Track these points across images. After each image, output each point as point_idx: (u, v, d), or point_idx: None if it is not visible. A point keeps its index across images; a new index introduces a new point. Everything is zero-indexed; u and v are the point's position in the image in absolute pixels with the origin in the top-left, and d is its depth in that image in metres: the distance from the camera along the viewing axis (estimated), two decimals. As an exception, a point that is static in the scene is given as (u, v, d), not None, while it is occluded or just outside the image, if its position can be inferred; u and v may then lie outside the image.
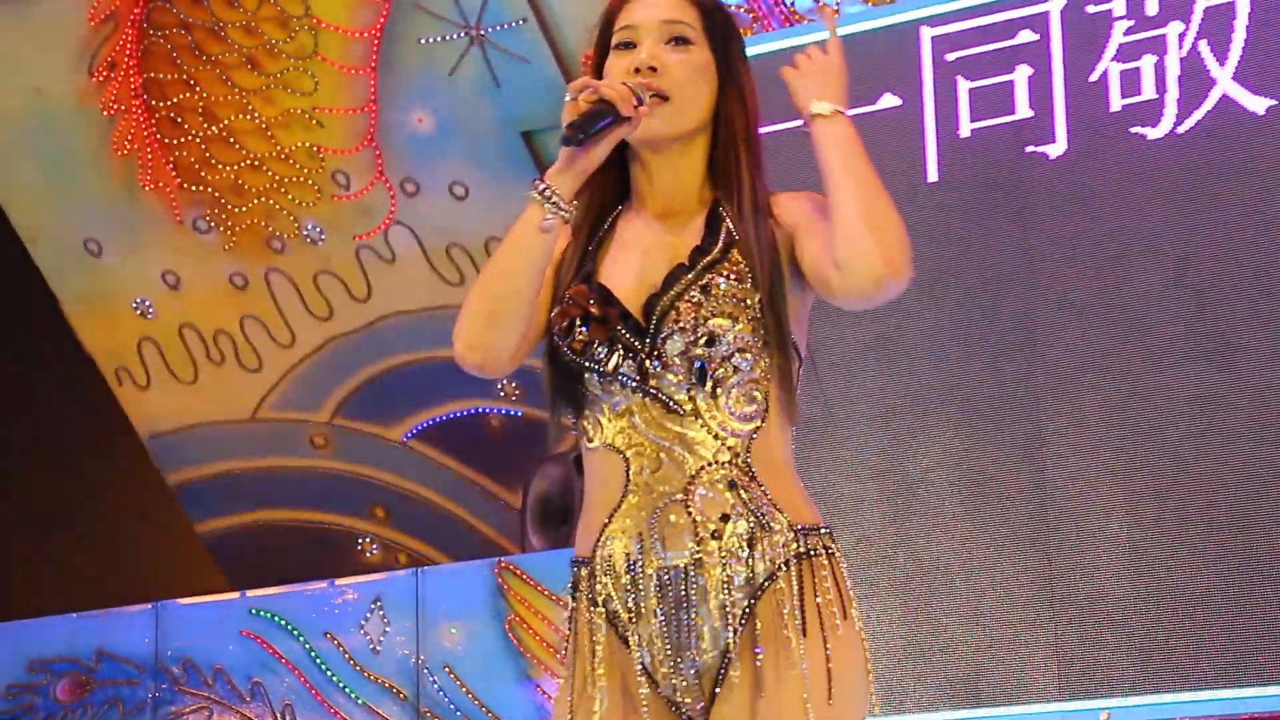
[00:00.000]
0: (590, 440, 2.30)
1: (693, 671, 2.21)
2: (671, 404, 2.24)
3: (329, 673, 7.01)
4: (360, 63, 7.82)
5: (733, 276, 2.25)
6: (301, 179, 8.00)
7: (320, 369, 8.23)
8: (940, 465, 5.50)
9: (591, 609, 2.25)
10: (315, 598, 7.12)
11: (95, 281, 8.27)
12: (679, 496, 2.22)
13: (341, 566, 7.81)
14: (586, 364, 2.27)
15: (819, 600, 2.22)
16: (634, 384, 2.25)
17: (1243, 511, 5.17)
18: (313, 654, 7.06)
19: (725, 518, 2.22)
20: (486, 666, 6.79)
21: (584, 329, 2.24)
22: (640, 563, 2.22)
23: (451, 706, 6.80)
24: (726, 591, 2.20)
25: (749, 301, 2.24)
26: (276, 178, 8.04)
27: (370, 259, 8.06)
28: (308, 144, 7.95)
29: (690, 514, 2.22)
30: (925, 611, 5.47)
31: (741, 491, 2.22)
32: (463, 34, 7.61)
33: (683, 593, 2.20)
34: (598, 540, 2.26)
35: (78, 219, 8.22)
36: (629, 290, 2.27)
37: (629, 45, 2.32)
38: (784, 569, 2.22)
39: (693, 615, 2.20)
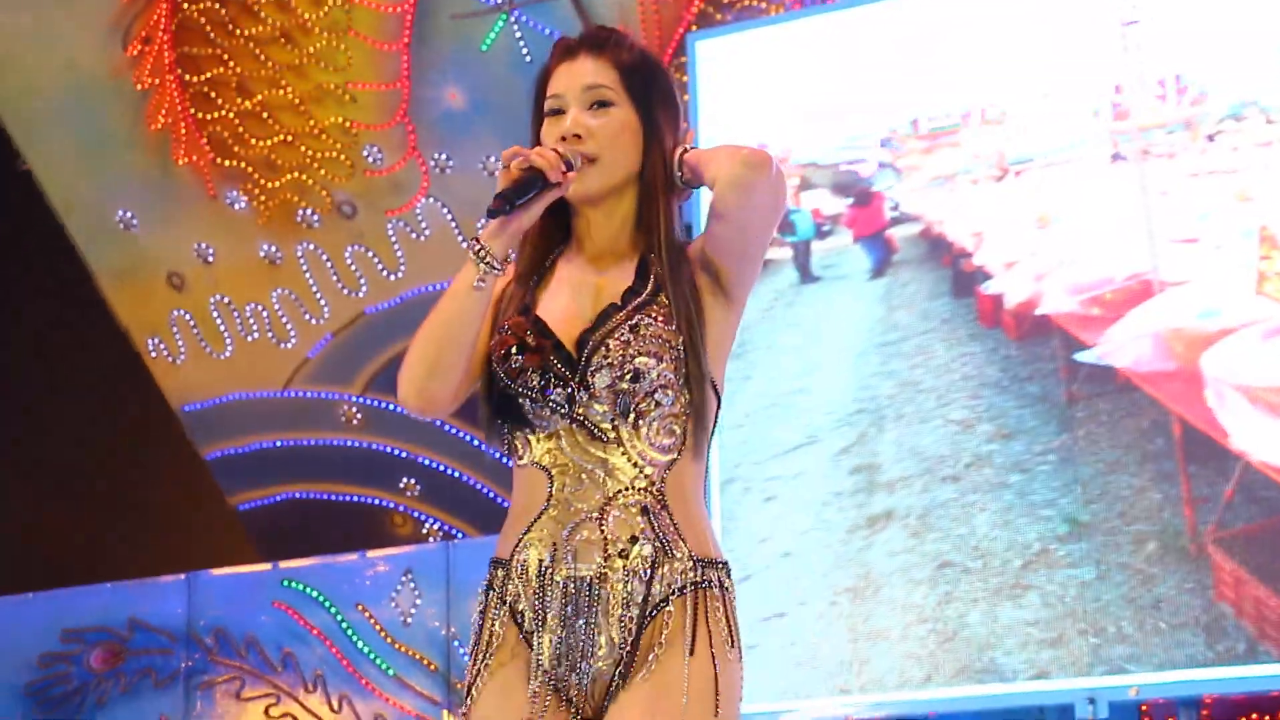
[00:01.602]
0: (520, 457, 2.50)
1: (588, 677, 2.40)
2: (596, 431, 2.44)
3: (360, 644, 7.05)
4: (393, 38, 7.83)
5: (660, 318, 2.45)
6: (334, 154, 8.02)
7: (353, 343, 8.25)
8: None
9: (499, 607, 2.45)
10: (346, 569, 7.15)
11: (129, 255, 8.31)
12: (595, 515, 2.42)
13: (372, 539, 7.84)
14: (520, 389, 2.45)
15: (709, 627, 2.40)
16: (563, 410, 2.44)
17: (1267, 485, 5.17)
18: (344, 625, 7.09)
19: (634, 539, 2.41)
20: (516, 639, 6.80)
21: (519, 357, 2.43)
22: (550, 570, 2.42)
23: (482, 679, 6.82)
24: (625, 607, 2.39)
25: (673, 342, 2.43)
26: (309, 153, 8.06)
27: (402, 234, 8.07)
28: (341, 119, 7.96)
29: (603, 532, 2.41)
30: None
31: (652, 517, 2.42)
32: (496, 10, 7.61)
33: (585, 603, 2.40)
34: (515, 546, 2.47)
35: (112, 193, 8.26)
36: (563, 325, 2.46)
37: (558, 112, 2.53)
38: (678, 594, 2.41)
39: (593, 624, 2.40)
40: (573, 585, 2.42)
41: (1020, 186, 5.94)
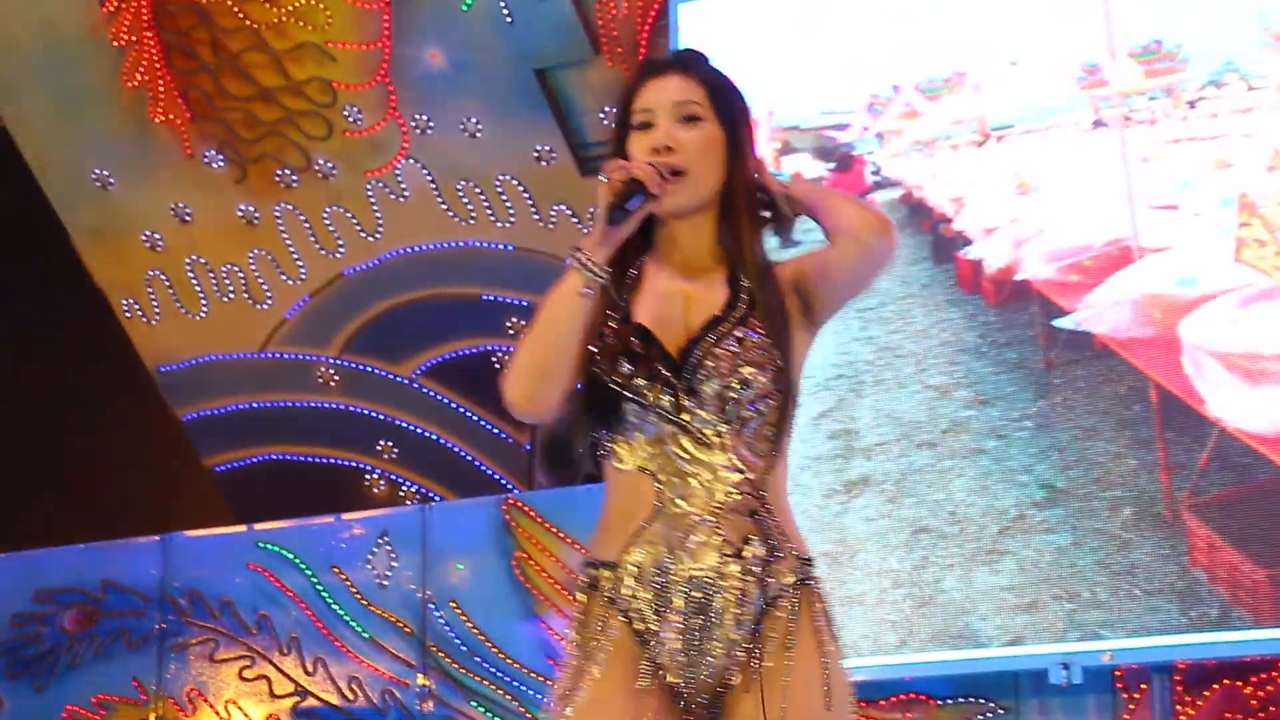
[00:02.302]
0: (621, 462, 2.60)
1: (704, 673, 2.51)
2: (701, 436, 2.55)
3: (335, 606, 7.03)
4: (373, -3, 7.79)
5: (760, 332, 2.58)
6: (313, 113, 7.97)
7: (330, 305, 8.22)
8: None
9: (609, 607, 2.54)
10: (322, 532, 7.13)
11: (104, 214, 8.26)
12: (708, 519, 2.54)
13: (349, 502, 7.82)
14: (629, 395, 2.56)
15: (817, 624, 2.55)
16: (669, 416, 2.56)
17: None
18: (319, 588, 7.08)
19: (746, 540, 2.54)
20: (493, 603, 6.81)
21: (628, 365, 2.56)
22: (670, 570, 2.53)
23: (457, 642, 6.82)
24: (741, 606, 2.52)
25: (773, 354, 2.58)
26: (289, 111, 8.01)
27: (381, 195, 8.03)
28: (320, 78, 7.92)
29: (719, 534, 2.53)
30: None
31: (759, 519, 2.56)
32: (476, -31, 7.57)
33: (704, 602, 2.51)
34: (624, 549, 2.56)
35: (87, 151, 8.21)
36: (662, 333, 2.58)
37: (647, 125, 2.64)
38: (788, 591, 2.55)
39: (711, 623, 2.51)
40: (693, 585, 2.52)
41: (1001, 152, 5.93)
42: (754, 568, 2.54)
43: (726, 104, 2.68)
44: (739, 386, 2.55)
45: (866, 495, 5.81)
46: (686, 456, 2.56)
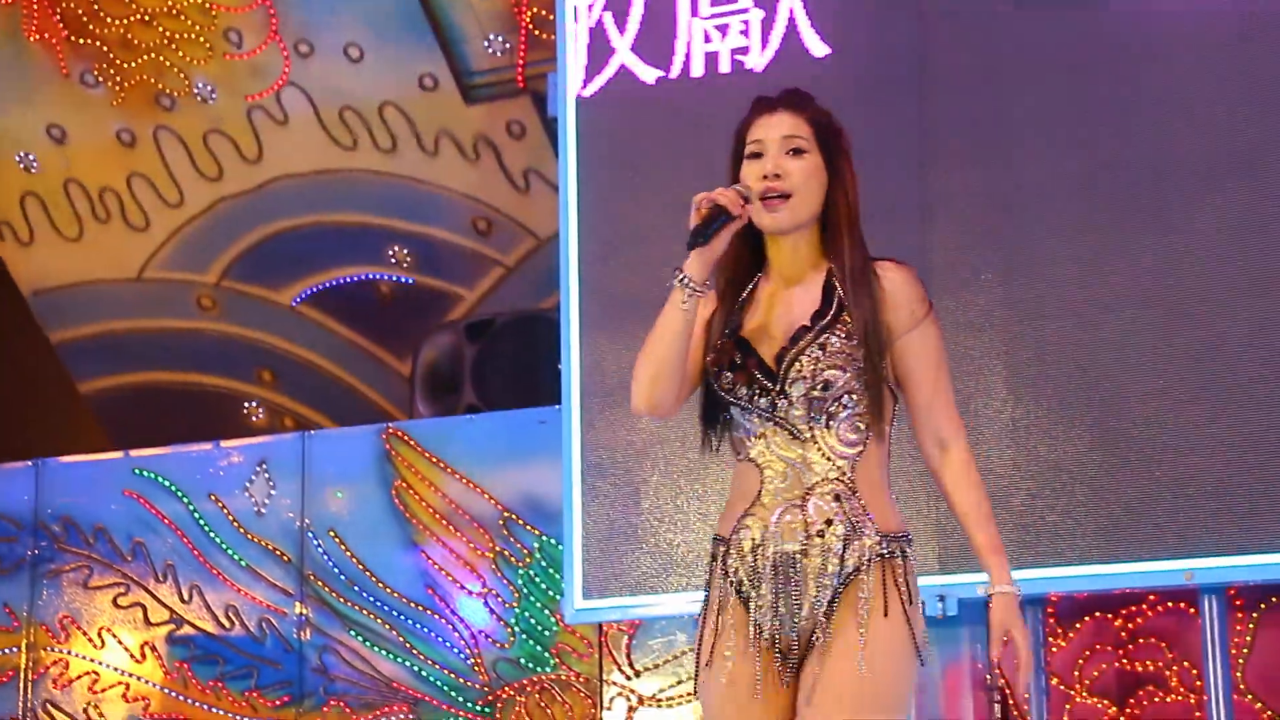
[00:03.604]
0: (738, 454, 3.05)
1: (793, 633, 2.95)
2: (795, 432, 2.98)
3: (212, 534, 6.99)
4: (255, -82, 7.67)
5: (843, 335, 2.98)
6: (193, 35, 7.85)
7: (209, 230, 8.13)
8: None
9: (724, 578, 3.00)
10: (199, 459, 7.07)
11: (-23, 134, 8.11)
12: (798, 503, 2.96)
13: (227, 429, 7.76)
14: (733, 399, 3.01)
15: (893, 591, 2.94)
16: (767, 415, 2.99)
17: (1116, 388, 5.26)
18: (196, 515, 7.03)
19: (829, 522, 2.95)
20: (372, 531, 6.79)
21: (729, 374, 3.00)
22: (761, 548, 2.97)
23: (335, 570, 6.80)
24: (822, 577, 2.93)
25: (855, 355, 2.97)
26: (167, 33, 7.88)
27: (262, 120, 7.94)
28: (200, 0, 7.80)
29: (804, 517, 2.95)
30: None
31: (844, 502, 2.96)
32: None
33: (790, 573, 2.94)
34: (734, 527, 3.01)
35: (-41, 69, 8.05)
36: (762, 343, 3.01)
37: (758, 155, 3.05)
38: (868, 564, 2.93)
39: (798, 590, 2.94)
40: (779, 559, 2.95)
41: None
42: (835, 545, 2.94)
43: (827, 138, 3.06)
44: (822, 388, 2.95)
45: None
46: (783, 449, 2.98)
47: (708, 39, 6.06)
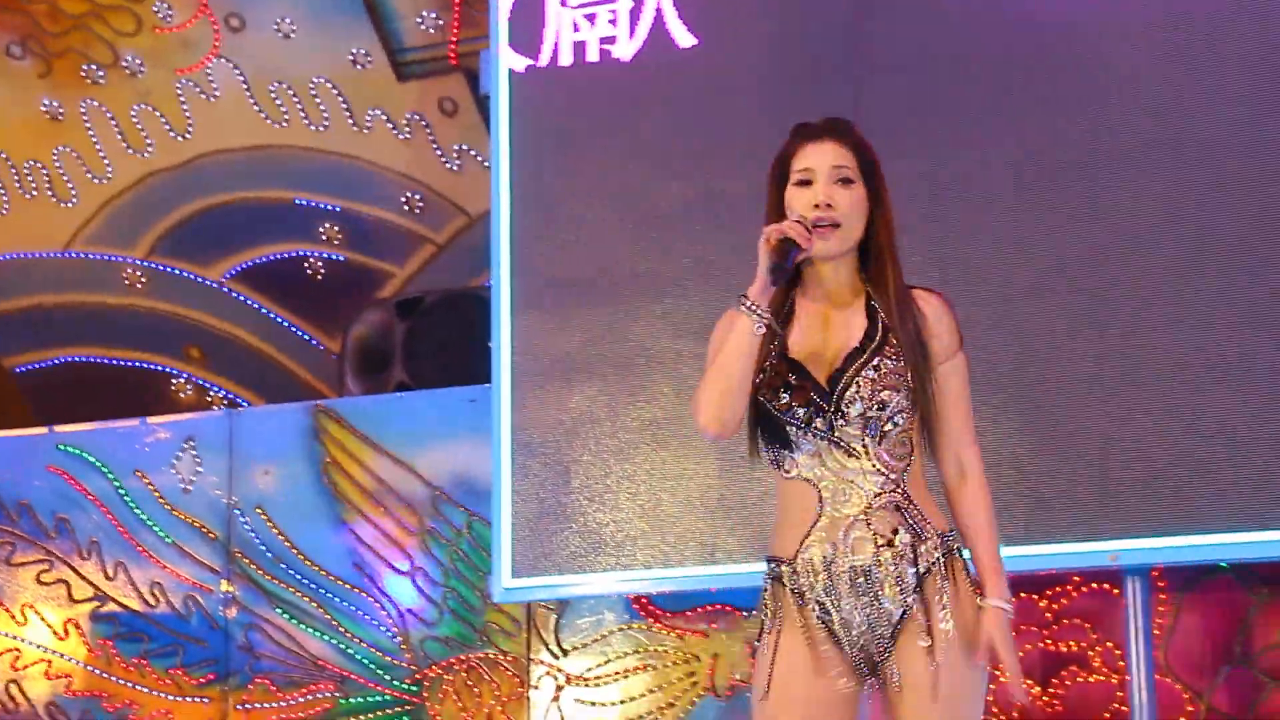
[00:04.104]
0: (788, 472, 3.19)
1: (872, 642, 3.13)
2: (850, 449, 3.14)
3: (138, 511, 6.94)
4: (186, -110, 7.61)
5: (893, 358, 3.15)
6: (122, 8, 7.78)
7: (137, 205, 8.06)
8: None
9: (793, 595, 3.15)
10: (126, 435, 7.02)
11: (-99, 105, 8.01)
12: (860, 517, 3.14)
13: (154, 405, 7.70)
14: (788, 419, 3.15)
15: (963, 584, 3.16)
16: (822, 434, 3.14)
17: (1043, 372, 5.30)
18: (122, 492, 6.98)
19: (895, 531, 3.13)
20: (300, 509, 6.76)
21: (785, 395, 3.14)
22: (834, 564, 3.13)
23: (263, 548, 6.77)
24: (898, 583, 3.12)
25: (905, 376, 3.15)
26: (95, 5, 7.81)
27: (191, 94, 7.88)
28: (129, -29, 7.73)
29: (870, 529, 3.13)
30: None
31: (904, 513, 3.15)
32: None
33: (866, 584, 3.12)
34: (799, 547, 3.16)
35: (-117, 38, 7.94)
36: (814, 364, 3.17)
37: (807, 183, 3.18)
38: (937, 564, 3.14)
39: (877, 601, 3.12)
40: (855, 573, 3.12)
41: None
42: (905, 552, 3.13)
43: (870, 167, 3.22)
44: (878, 408, 3.13)
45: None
46: (839, 466, 3.15)
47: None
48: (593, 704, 6.30)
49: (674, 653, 6.23)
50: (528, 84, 6.13)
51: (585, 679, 6.31)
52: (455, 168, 7.64)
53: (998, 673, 3.20)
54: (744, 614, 6.14)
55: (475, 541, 6.51)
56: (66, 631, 6.96)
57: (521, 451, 5.98)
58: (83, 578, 6.95)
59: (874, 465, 3.15)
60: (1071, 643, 5.66)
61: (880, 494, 3.15)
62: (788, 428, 3.17)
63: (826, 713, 3.15)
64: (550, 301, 6.04)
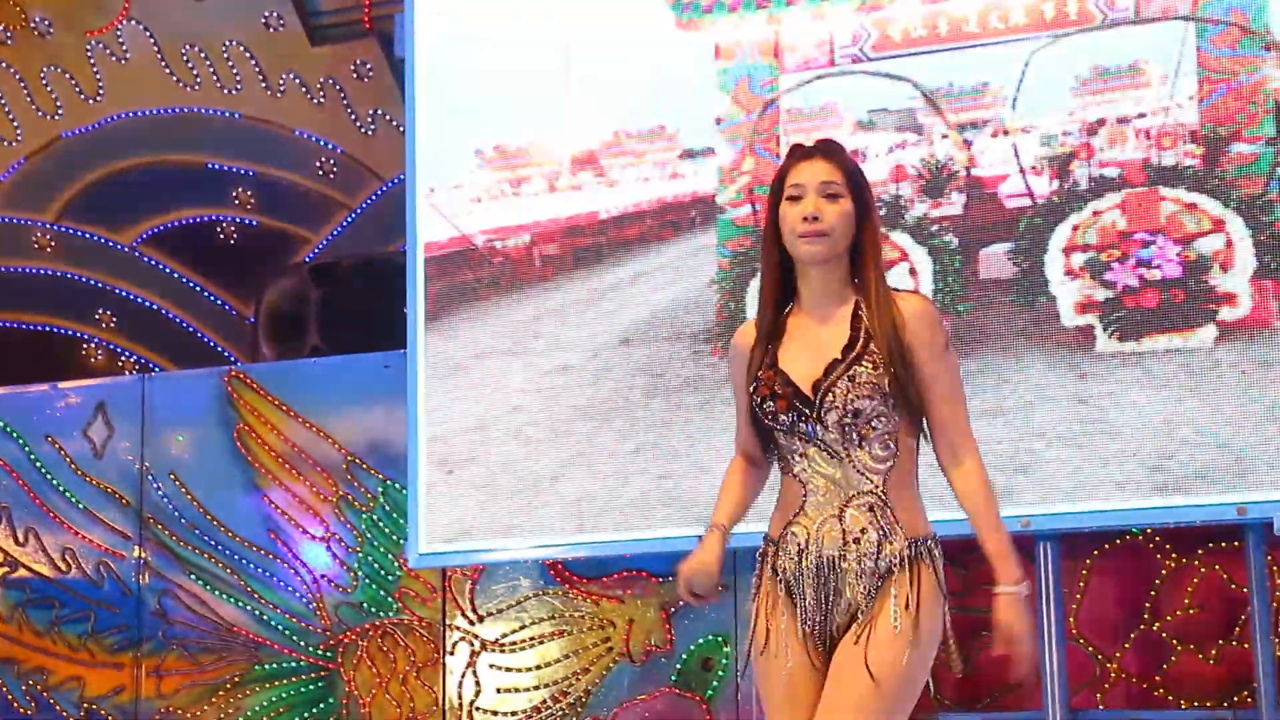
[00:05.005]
0: (784, 469, 3.47)
1: (834, 624, 3.39)
2: (832, 452, 3.39)
3: (49, 476, 6.89)
4: None
5: (870, 365, 3.39)
6: (30, -33, 7.69)
7: (47, 168, 7.98)
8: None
9: (772, 575, 3.44)
10: (36, 400, 6.96)
11: None
12: (836, 513, 3.40)
13: (65, 371, 7.64)
14: (776, 425, 3.42)
15: (920, 586, 3.38)
16: (807, 437, 3.40)
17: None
18: (32, 457, 6.93)
19: (864, 530, 3.37)
20: (213, 474, 6.74)
21: (772, 403, 3.40)
22: (805, 553, 3.40)
23: (176, 513, 6.74)
24: (859, 578, 3.37)
25: (881, 383, 3.37)
26: (3, -36, 7.72)
27: (102, 56, 7.79)
28: (38, -70, 7.64)
29: (842, 526, 3.39)
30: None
31: (876, 513, 3.38)
32: None
33: (829, 575, 3.39)
34: (783, 532, 3.44)
35: None
36: (800, 374, 3.41)
37: (797, 198, 3.44)
38: (899, 566, 3.36)
39: (839, 589, 3.39)
40: (821, 563, 3.39)
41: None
42: (868, 550, 3.36)
43: (857, 183, 3.47)
44: (853, 415, 3.35)
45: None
46: (822, 467, 3.40)
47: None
48: (508, 669, 6.32)
49: (589, 618, 6.25)
50: (441, 48, 6.10)
51: (501, 644, 6.33)
52: (369, 132, 7.61)
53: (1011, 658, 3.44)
54: (658, 580, 6.16)
55: (391, 507, 6.51)
56: (-24, 598, 6.92)
57: (436, 417, 5.97)
58: (-7, 544, 6.90)
59: (854, 467, 3.39)
60: (983, 609, 5.72)
61: (858, 494, 3.39)
62: (777, 433, 3.44)
63: (805, 675, 3.41)
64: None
